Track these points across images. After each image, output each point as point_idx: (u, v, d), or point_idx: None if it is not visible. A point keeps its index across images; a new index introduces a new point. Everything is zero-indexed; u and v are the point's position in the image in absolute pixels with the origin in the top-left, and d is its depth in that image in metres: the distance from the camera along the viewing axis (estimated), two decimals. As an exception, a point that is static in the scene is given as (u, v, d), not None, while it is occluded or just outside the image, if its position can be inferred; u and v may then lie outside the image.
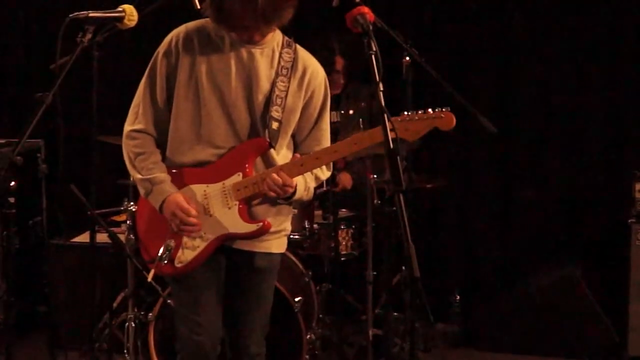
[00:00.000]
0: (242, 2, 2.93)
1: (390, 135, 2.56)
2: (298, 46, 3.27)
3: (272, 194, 3.13)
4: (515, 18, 5.68)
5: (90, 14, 2.93)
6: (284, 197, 3.18)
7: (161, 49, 3.21)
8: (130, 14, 3.04)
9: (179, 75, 3.17)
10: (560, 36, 5.63)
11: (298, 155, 3.20)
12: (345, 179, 5.36)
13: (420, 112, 3.07)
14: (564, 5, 5.59)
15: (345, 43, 5.30)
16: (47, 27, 5.91)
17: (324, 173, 3.37)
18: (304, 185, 3.23)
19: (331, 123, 3.40)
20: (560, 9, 5.61)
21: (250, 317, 3.38)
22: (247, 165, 3.16)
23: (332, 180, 4.91)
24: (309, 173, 3.24)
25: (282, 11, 3.01)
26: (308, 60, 3.27)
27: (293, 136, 3.31)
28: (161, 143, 3.27)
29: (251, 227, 3.18)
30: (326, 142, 3.33)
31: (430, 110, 3.06)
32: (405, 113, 3.08)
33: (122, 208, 4.80)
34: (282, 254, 3.45)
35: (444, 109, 3.06)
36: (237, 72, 3.15)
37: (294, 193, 3.18)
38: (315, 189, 3.37)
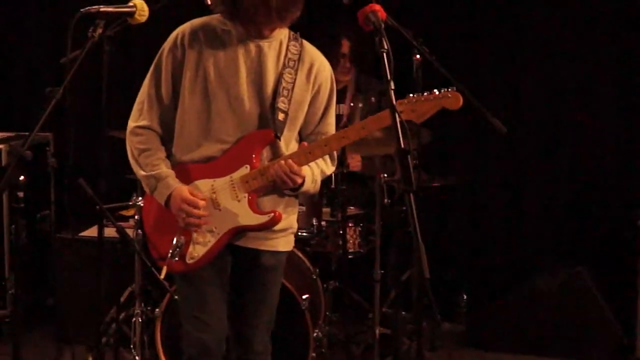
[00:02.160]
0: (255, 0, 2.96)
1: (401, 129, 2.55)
2: (304, 40, 3.27)
3: (280, 182, 3.12)
4: (527, 17, 5.66)
5: (102, 9, 2.92)
6: (291, 188, 3.17)
7: (167, 45, 3.22)
8: (141, 9, 3.03)
9: (185, 71, 3.17)
10: (570, 35, 5.61)
11: (305, 144, 3.19)
12: (356, 160, 5.25)
13: (426, 93, 3.07)
14: (575, 6, 5.58)
15: (351, 27, 5.28)
16: (58, 21, 5.91)
17: (329, 167, 3.35)
18: (311, 177, 3.22)
19: (339, 115, 3.39)
20: (572, 9, 5.59)
21: (256, 316, 3.37)
22: (254, 157, 3.16)
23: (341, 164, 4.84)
24: (315, 166, 3.23)
25: (294, 8, 3.05)
26: (315, 54, 3.28)
27: (299, 131, 3.31)
28: (166, 140, 3.26)
29: (263, 219, 3.17)
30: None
31: (436, 90, 3.06)
32: (411, 95, 3.07)
33: (130, 203, 4.79)
34: (290, 251, 3.44)
35: (450, 89, 3.05)
36: (246, 66, 3.15)
37: (302, 184, 3.17)
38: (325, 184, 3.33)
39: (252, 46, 3.16)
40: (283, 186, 3.15)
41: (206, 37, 3.16)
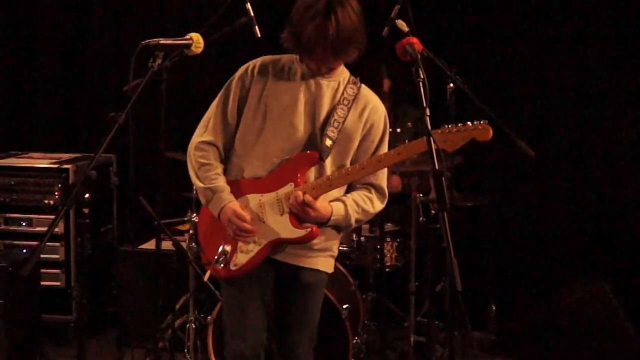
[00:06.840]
0: (316, 33, 2.99)
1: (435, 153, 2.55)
2: (363, 85, 3.29)
3: (295, 211, 3.14)
4: (558, 45, 5.61)
5: (161, 41, 2.97)
6: (318, 223, 3.18)
7: (238, 72, 3.27)
8: (197, 42, 3.08)
9: (250, 98, 3.22)
10: (598, 61, 5.55)
11: (327, 175, 3.20)
12: (396, 181, 5.25)
13: (459, 124, 3.09)
14: (603, 32, 5.53)
15: (392, 66, 5.26)
16: (121, 52, 5.98)
17: (376, 206, 3.30)
18: (343, 216, 3.20)
19: None
20: (599, 36, 5.54)
21: (297, 330, 3.37)
22: (299, 176, 3.18)
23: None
24: (354, 205, 3.21)
25: (348, 48, 3.07)
26: (370, 97, 3.29)
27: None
28: (224, 157, 3.30)
29: (300, 232, 3.18)
30: (382, 174, 3.31)
31: (469, 122, 3.07)
32: (445, 126, 3.09)
33: (185, 219, 4.85)
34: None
35: (481, 121, 3.06)
36: (304, 98, 3.19)
37: (328, 220, 3.17)
38: None
39: (312, 82, 3.20)
40: (300, 215, 3.16)
41: (274, 70, 3.22)
